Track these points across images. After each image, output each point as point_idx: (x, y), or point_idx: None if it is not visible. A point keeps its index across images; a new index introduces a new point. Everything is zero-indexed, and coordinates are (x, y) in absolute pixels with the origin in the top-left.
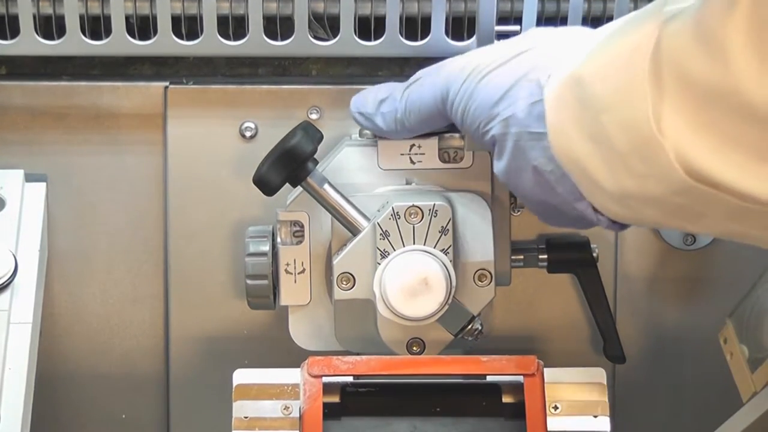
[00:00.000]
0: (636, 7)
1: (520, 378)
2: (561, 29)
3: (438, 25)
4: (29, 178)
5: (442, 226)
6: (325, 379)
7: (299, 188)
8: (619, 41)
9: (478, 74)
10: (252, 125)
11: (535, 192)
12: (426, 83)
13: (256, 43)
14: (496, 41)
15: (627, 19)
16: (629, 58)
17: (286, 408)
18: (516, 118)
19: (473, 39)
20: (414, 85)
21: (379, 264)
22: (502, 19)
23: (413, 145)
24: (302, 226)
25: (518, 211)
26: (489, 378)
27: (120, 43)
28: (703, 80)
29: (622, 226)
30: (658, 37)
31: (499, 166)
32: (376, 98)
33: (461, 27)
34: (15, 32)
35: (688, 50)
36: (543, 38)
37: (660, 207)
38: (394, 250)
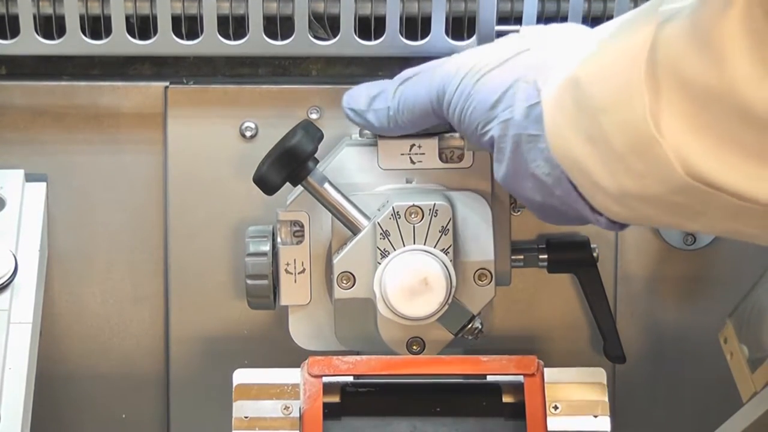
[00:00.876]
0: (636, 7)
1: (520, 378)
2: (555, 27)
3: (438, 25)
4: (29, 178)
5: (443, 226)
6: (325, 379)
7: (299, 188)
8: (615, 43)
9: (474, 75)
10: (252, 125)
11: (534, 194)
12: (421, 81)
13: (256, 43)
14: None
15: (623, 20)
16: (625, 60)
17: (286, 408)
18: (514, 120)
19: (473, 39)
20: (408, 82)
21: (380, 263)
22: (502, 19)
23: (413, 144)
24: (302, 226)
25: (518, 211)
26: (489, 378)
27: (120, 43)
28: (700, 82)
29: (622, 226)
30: (654, 38)
31: (498, 168)
32: (368, 95)
33: (461, 27)
34: (15, 32)
35: (683, 52)
36: (539, 38)
37: (659, 206)
38: (395, 249)
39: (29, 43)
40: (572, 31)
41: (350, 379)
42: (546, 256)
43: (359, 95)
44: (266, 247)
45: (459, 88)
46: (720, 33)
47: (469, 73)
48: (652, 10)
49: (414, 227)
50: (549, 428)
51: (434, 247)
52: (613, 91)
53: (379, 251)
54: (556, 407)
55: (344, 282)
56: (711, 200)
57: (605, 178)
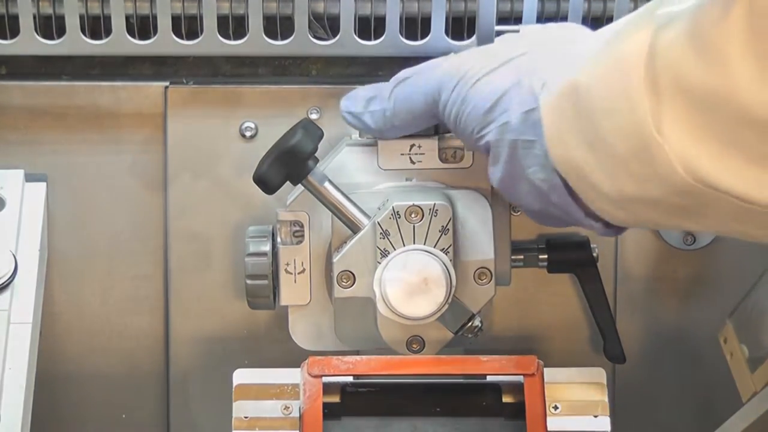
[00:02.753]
0: (636, 7)
1: (520, 378)
2: (553, 26)
3: (438, 25)
4: (29, 178)
5: (443, 226)
6: (325, 379)
7: (299, 188)
8: (613, 48)
9: (471, 79)
10: (252, 125)
11: (529, 199)
12: (416, 83)
13: (256, 43)
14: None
15: (620, 25)
16: (624, 65)
17: (286, 408)
18: (510, 125)
19: (473, 39)
20: (403, 84)
21: (379, 263)
22: (502, 19)
23: (413, 144)
24: (302, 226)
25: (518, 211)
26: (489, 378)
27: (120, 43)
28: (701, 86)
29: (617, 231)
30: (651, 43)
31: (493, 172)
32: (365, 97)
33: (461, 27)
34: (15, 32)
35: (684, 57)
36: (535, 41)
37: (660, 208)
38: (395, 249)
39: (29, 43)
40: (570, 31)
41: (350, 379)
42: (546, 256)
43: (356, 98)
44: (266, 247)
45: (455, 91)
46: (720, 37)
47: (464, 76)
48: (648, 14)
49: (414, 227)
50: (549, 428)
51: (434, 246)
52: (613, 97)
53: (379, 251)
54: (556, 407)
55: (344, 281)
56: (713, 202)
57: (605, 182)
